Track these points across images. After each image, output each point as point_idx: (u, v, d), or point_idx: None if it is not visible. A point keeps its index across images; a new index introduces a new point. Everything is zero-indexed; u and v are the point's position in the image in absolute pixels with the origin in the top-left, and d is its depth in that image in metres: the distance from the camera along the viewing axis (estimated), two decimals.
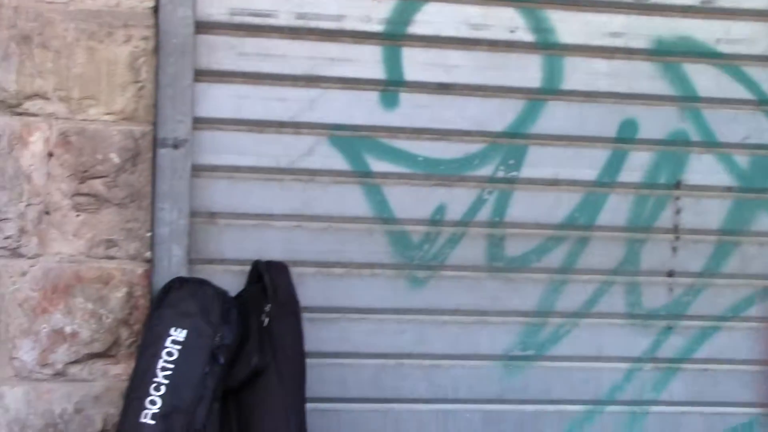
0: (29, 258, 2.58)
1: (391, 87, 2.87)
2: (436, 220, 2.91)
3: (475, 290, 2.94)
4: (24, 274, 2.57)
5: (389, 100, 2.88)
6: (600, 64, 2.96)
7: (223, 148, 2.79)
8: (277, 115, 2.82)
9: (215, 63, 2.77)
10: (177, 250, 2.72)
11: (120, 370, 2.65)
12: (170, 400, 2.54)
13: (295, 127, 2.83)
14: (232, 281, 2.74)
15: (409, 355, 2.93)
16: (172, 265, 2.72)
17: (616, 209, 2.99)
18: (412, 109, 2.89)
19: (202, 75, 2.75)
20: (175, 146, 2.69)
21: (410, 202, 2.90)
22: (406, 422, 2.93)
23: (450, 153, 2.91)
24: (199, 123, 2.75)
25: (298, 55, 2.82)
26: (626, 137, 2.98)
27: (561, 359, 3.00)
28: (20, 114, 2.56)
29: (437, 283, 2.92)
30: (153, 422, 2.52)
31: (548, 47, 2.93)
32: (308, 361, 2.65)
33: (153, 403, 2.53)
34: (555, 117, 2.94)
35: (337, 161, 2.86)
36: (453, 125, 2.90)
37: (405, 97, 2.88)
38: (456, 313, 2.94)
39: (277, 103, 2.82)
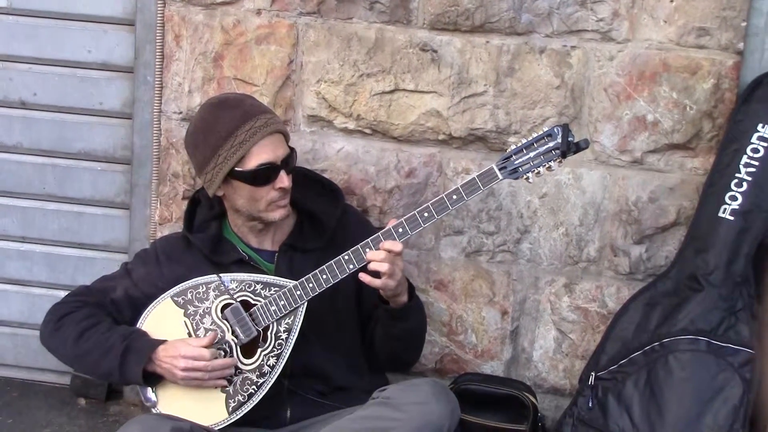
0: (618, 42, 2.57)
1: None
2: None
3: None
4: (611, 58, 2.58)
5: None
6: None
7: None
8: None
9: None
10: None
11: (698, 164, 2.60)
12: (752, 197, 2.46)
13: None
14: None
15: None
16: (764, 59, 2.56)
17: None
18: None
19: None
20: None
21: None
22: None
23: None
24: None
25: None
26: None
27: None
28: None
29: None
30: (732, 218, 2.46)
31: None
32: None
33: (733, 198, 2.47)
34: None
35: None
36: None
37: None
38: None
39: None
